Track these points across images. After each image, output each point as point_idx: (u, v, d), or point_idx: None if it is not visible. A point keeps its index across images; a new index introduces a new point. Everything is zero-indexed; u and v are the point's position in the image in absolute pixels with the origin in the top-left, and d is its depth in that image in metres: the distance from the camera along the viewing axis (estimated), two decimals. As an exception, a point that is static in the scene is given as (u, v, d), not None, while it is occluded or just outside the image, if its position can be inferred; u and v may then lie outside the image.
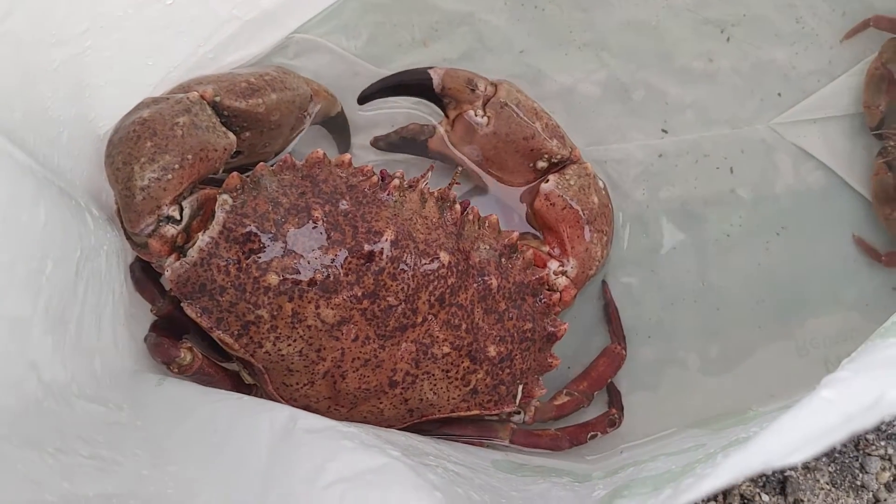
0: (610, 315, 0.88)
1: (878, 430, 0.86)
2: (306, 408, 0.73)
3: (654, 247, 0.91)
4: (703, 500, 0.47)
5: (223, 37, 0.81)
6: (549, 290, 0.79)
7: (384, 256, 0.71)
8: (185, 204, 0.70)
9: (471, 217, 0.77)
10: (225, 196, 0.70)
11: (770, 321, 0.90)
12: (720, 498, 0.82)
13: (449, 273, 0.73)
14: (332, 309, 0.70)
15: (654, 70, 0.92)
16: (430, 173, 0.77)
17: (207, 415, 0.65)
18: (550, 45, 0.92)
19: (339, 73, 0.89)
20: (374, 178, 0.74)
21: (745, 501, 0.82)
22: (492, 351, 0.75)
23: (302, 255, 0.70)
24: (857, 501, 0.84)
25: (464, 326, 0.74)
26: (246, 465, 0.60)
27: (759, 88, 0.93)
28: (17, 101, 0.63)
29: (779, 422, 0.41)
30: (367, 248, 0.71)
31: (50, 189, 0.64)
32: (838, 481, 0.85)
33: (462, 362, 0.74)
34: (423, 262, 0.72)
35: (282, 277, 0.69)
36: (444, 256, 0.73)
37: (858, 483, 0.85)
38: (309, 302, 0.70)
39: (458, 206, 0.77)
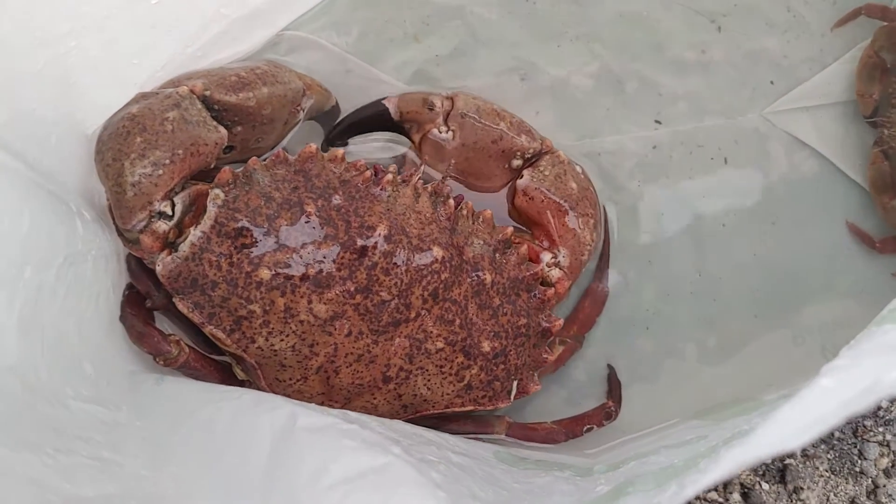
0: (602, 249, 0.89)
1: (875, 416, 0.87)
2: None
3: (650, 238, 0.91)
4: (703, 490, 0.47)
5: (211, 35, 0.81)
6: (543, 284, 0.79)
7: (377, 251, 0.70)
8: (176, 200, 0.70)
9: (465, 212, 0.77)
10: (217, 190, 0.70)
11: (767, 310, 0.90)
12: (720, 488, 0.82)
13: (442, 268, 0.73)
14: (325, 304, 0.70)
15: (647, 61, 0.92)
16: (423, 168, 0.77)
17: (207, 415, 0.65)
18: (543, 37, 0.92)
19: (331, 70, 0.88)
20: (368, 174, 0.74)
21: (746, 490, 0.83)
22: (486, 346, 0.75)
23: (294, 250, 0.69)
24: (857, 488, 0.84)
25: (457, 322, 0.74)
26: (247, 466, 0.60)
27: (752, 78, 0.93)
28: (2, 103, 0.62)
29: (780, 411, 0.41)
30: (360, 242, 0.70)
31: (37, 194, 0.63)
32: (837, 468, 0.85)
33: (456, 358, 0.74)
34: (417, 256, 0.72)
35: (274, 272, 0.69)
36: (438, 251, 0.73)
37: (857, 469, 0.85)
38: (301, 297, 0.69)
39: (451, 201, 0.76)
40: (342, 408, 0.74)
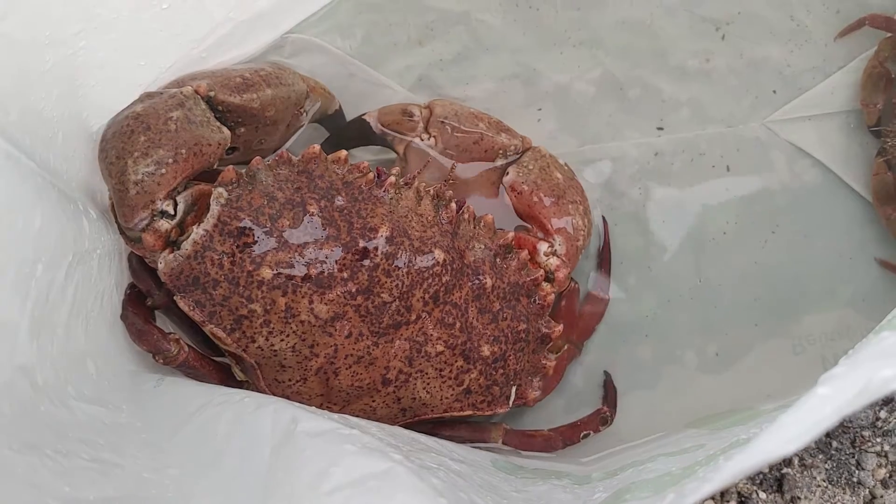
0: (602, 257, 0.89)
1: (873, 426, 0.87)
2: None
3: (651, 245, 0.91)
4: (702, 499, 0.47)
5: (216, 37, 0.81)
6: (545, 280, 0.79)
7: (379, 253, 0.71)
8: (179, 199, 0.70)
9: (466, 216, 0.77)
10: (220, 189, 0.70)
11: (767, 319, 0.90)
12: (717, 497, 0.82)
13: (444, 271, 0.73)
14: (326, 304, 0.70)
15: (650, 68, 0.92)
16: (425, 171, 0.77)
17: (208, 417, 0.65)
18: (545, 43, 0.92)
19: (334, 73, 0.88)
20: (371, 176, 0.74)
21: (743, 499, 0.82)
22: (485, 350, 0.75)
23: (296, 250, 0.69)
24: (854, 498, 0.84)
25: (458, 325, 0.74)
26: (247, 469, 0.60)
27: (755, 86, 0.93)
28: (11, 102, 0.62)
29: (779, 421, 0.41)
30: (361, 243, 0.70)
31: (49, 192, 0.64)
32: (835, 478, 0.85)
33: (456, 361, 0.74)
34: (418, 259, 0.72)
35: (276, 272, 0.69)
36: (439, 254, 0.73)
37: (855, 480, 0.85)
38: (302, 297, 0.69)
39: (453, 205, 0.77)
40: (340, 410, 0.74)
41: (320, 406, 0.74)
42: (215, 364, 0.76)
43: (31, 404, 0.58)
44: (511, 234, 0.78)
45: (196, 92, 0.73)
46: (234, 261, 0.69)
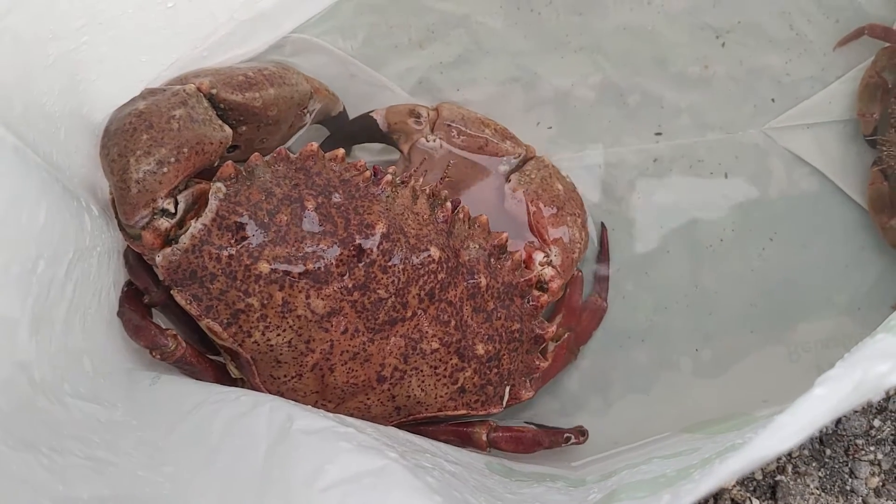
0: (600, 265, 0.89)
1: (867, 435, 0.87)
2: (294, 403, 0.73)
3: (648, 250, 0.92)
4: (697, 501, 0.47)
5: (218, 36, 0.81)
6: (538, 288, 0.80)
7: (375, 249, 0.71)
8: (180, 198, 0.70)
9: (461, 216, 0.78)
10: (219, 184, 0.70)
11: (763, 326, 0.91)
12: (710, 503, 0.82)
13: (439, 268, 0.73)
14: (323, 300, 0.70)
15: (650, 74, 0.93)
16: (421, 169, 0.78)
17: (203, 415, 0.65)
18: (546, 48, 0.92)
19: (335, 74, 0.88)
20: (367, 173, 0.74)
21: (737, 505, 0.83)
22: (480, 349, 0.75)
23: (293, 245, 0.70)
24: (847, 506, 0.85)
25: (453, 323, 0.74)
26: (242, 467, 0.60)
27: (754, 94, 0.93)
28: (16, 97, 0.62)
29: (777, 421, 0.41)
30: (358, 240, 0.71)
31: (53, 188, 0.64)
32: (828, 486, 0.85)
33: (450, 359, 0.75)
34: (414, 256, 0.73)
35: (273, 266, 0.69)
36: (435, 251, 0.73)
37: (848, 488, 0.85)
38: (299, 291, 0.70)
39: (448, 205, 0.77)
40: (336, 408, 0.74)
41: (315, 404, 0.74)
42: (211, 361, 0.76)
43: (27, 401, 0.58)
44: (505, 235, 0.79)
45: (199, 90, 0.73)
46: (232, 255, 0.69)
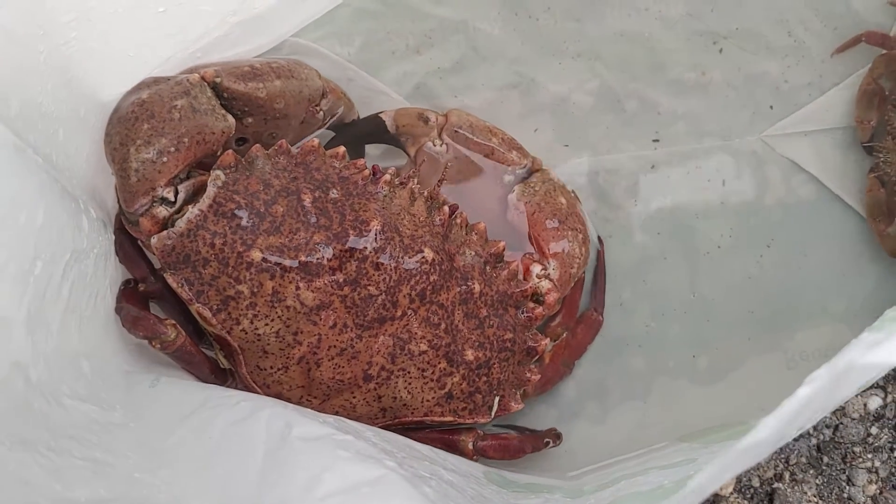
0: (596, 279, 0.89)
1: (864, 442, 0.87)
2: (279, 396, 0.73)
3: (645, 257, 0.92)
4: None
5: (212, 38, 0.80)
6: (534, 301, 0.79)
7: (369, 246, 0.71)
8: (180, 187, 0.71)
9: (458, 221, 0.78)
10: (218, 172, 0.71)
11: (760, 333, 0.91)
12: (709, 511, 0.82)
13: (432, 270, 0.74)
14: (313, 292, 0.70)
15: (647, 81, 0.93)
16: (420, 171, 0.78)
17: (202, 419, 0.65)
18: (544, 54, 0.92)
19: (333, 78, 0.88)
20: (367, 172, 0.75)
21: (734, 513, 0.83)
22: (469, 355, 0.75)
23: (287, 237, 0.70)
24: (845, 514, 0.85)
25: (443, 326, 0.74)
26: (240, 473, 0.60)
27: (751, 101, 0.93)
28: (13, 95, 0.62)
29: (762, 423, 0.42)
30: (352, 235, 0.71)
31: (53, 189, 0.64)
32: (825, 494, 0.85)
33: (439, 363, 0.74)
34: (407, 256, 0.73)
35: (265, 255, 0.70)
36: (429, 253, 0.73)
37: (845, 496, 0.85)
38: (290, 282, 0.70)
39: (446, 208, 0.77)
40: (321, 405, 0.74)
41: (300, 399, 0.74)
42: (206, 356, 0.76)
43: (24, 401, 0.58)
44: (502, 244, 0.79)
45: (203, 79, 0.73)
46: (226, 241, 0.70)
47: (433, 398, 0.75)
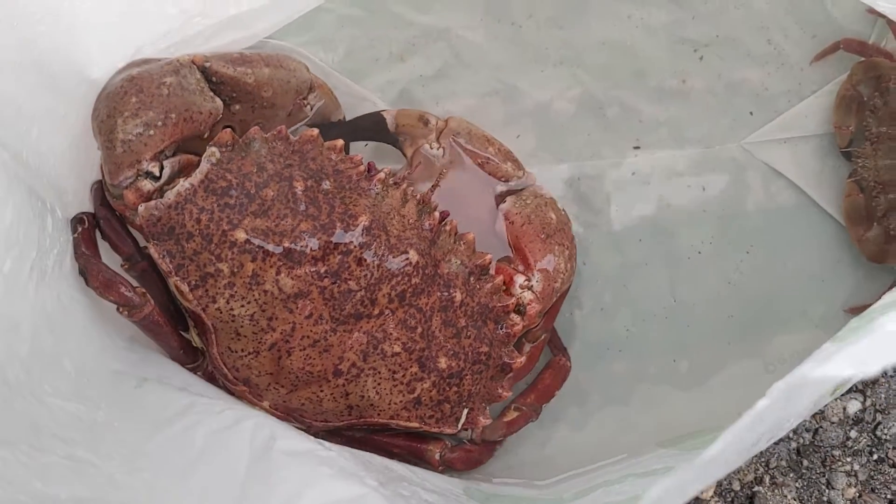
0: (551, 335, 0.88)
1: (844, 446, 0.88)
2: (247, 381, 0.74)
3: (626, 263, 0.92)
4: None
5: (185, 35, 0.80)
6: (516, 312, 0.79)
7: (354, 240, 0.71)
8: (165, 163, 0.72)
9: (448, 228, 0.78)
10: (213, 149, 0.71)
11: (739, 338, 0.91)
12: (689, 514, 0.83)
13: (415, 272, 0.74)
14: (293, 279, 0.70)
15: (629, 88, 0.93)
16: (417, 174, 0.78)
17: (187, 425, 0.65)
18: (526, 61, 0.93)
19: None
20: (362, 168, 0.75)
21: (713, 517, 0.83)
22: (442, 363, 0.75)
23: (274, 221, 0.70)
24: (823, 517, 0.85)
25: (419, 330, 0.74)
26: (222, 482, 0.60)
27: (731, 108, 0.94)
28: None
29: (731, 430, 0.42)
30: (339, 228, 0.71)
31: (20, 187, 0.64)
32: (805, 497, 0.86)
33: (411, 366, 0.74)
34: (391, 256, 0.73)
35: (249, 237, 0.70)
36: (413, 255, 0.74)
37: (825, 499, 0.86)
38: (271, 266, 0.70)
39: (437, 214, 0.77)
40: (287, 395, 0.74)
41: (268, 385, 0.74)
42: (173, 327, 0.76)
43: (4, 400, 0.58)
44: (489, 257, 0.79)
45: (193, 62, 0.74)
46: (212, 218, 0.70)
47: (401, 402, 0.75)
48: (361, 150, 0.90)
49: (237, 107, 0.77)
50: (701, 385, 0.90)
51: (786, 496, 0.85)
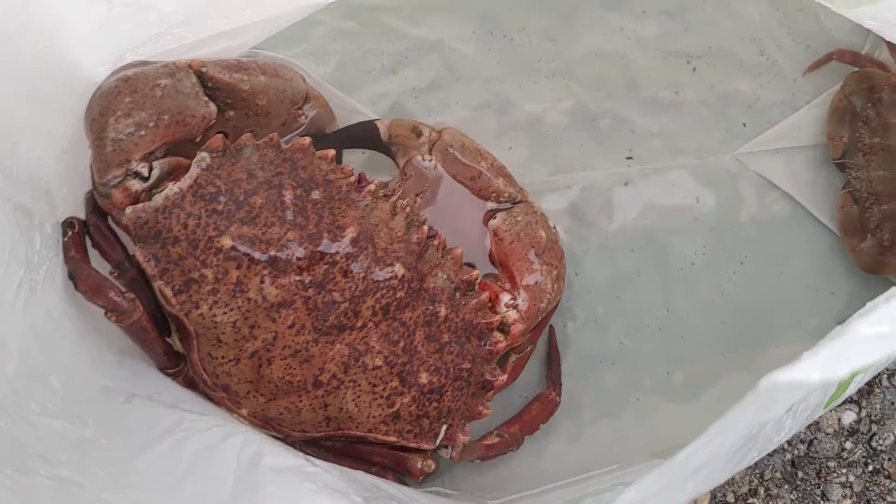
0: (551, 360, 0.88)
1: (839, 457, 0.87)
2: (226, 388, 0.73)
3: (620, 274, 0.92)
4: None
5: (170, 47, 0.79)
6: (499, 330, 0.79)
7: (341, 251, 0.71)
8: (155, 164, 0.71)
9: (436, 243, 0.78)
10: (204, 154, 0.71)
11: (733, 349, 0.91)
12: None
13: (400, 286, 0.74)
14: (277, 288, 0.70)
15: (621, 100, 0.93)
16: (408, 187, 0.78)
17: (175, 441, 0.65)
18: (519, 73, 0.93)
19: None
20: (352, 179, 0.75)
21: (706, 530, 0.83)
22: (423, 378, 0.75)
23: (261, 229, 0.70)
24: (818, 530, 0.85)
25: (402, 344, 0.74)
26: (209, 499, 0.59)
27: (725, 119, 0.94)
28: None
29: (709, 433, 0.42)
30: (326, 238, 0.71)
31: (4, 206, 0.64)
32: (800, 509, 0.86)
33: (391, 380, 0.74)
34: (378, 268, 0.73)
35: (235, 244, 0.70)
36: (399, 269, 0.74)
37: (820, 511, 0.86)
38: (255, 275, 0.70)
39: (425, 228, 0.77)
40: (267, 403, 0.74)
41: (247, 393, 0.74)
42: (162, 335, 0.75)
43: None
44: (476, 273, 0.78)
45: (189, 66, 0.74)
46: (199, 223, 0.70)
47: (380, 415, 0.75)
48: (356, 159, 0.90)
49: (231, 113, 0.77)
50: (695, 397, 0.90)
51: (781, 508, 0.85)
